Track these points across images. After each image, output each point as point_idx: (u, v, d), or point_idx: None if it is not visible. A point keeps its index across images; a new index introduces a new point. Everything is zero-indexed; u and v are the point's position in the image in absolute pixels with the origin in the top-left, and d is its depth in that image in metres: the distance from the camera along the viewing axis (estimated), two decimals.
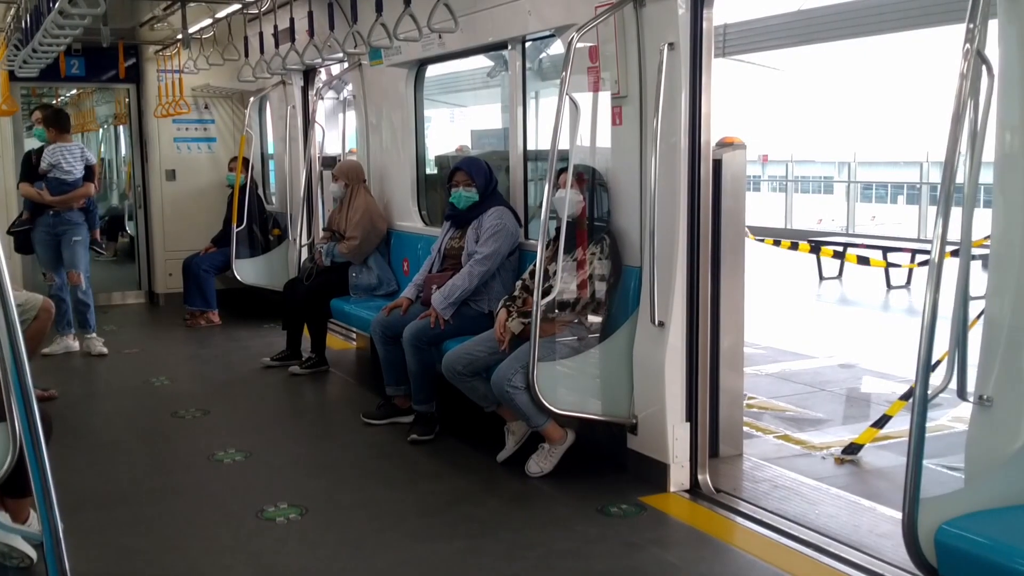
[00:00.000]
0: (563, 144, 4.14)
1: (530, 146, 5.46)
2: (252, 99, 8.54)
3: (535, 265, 4.17)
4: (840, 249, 11.83)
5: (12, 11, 7.15)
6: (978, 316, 2.88)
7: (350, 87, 7.77)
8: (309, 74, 8.09)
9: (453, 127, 15.15)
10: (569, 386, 4.35)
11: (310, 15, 6.16)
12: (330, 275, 6.60)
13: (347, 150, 8.63)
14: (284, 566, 3.58)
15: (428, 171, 7.11)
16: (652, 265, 4.09)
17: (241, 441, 5.02)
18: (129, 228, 11.28)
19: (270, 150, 9.47)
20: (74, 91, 13.24)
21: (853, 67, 32.06)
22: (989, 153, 2.71)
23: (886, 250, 11.68)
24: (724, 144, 4.37)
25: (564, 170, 4.29)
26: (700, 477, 4.22)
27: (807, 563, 3.50)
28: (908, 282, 11.40)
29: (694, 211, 4.11)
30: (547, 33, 5.21)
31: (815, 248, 8.58)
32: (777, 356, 7.06)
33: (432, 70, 6.78)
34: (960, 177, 2.57)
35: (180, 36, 7.78)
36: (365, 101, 7.13)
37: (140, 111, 9.45)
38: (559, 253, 4.27)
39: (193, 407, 5.74)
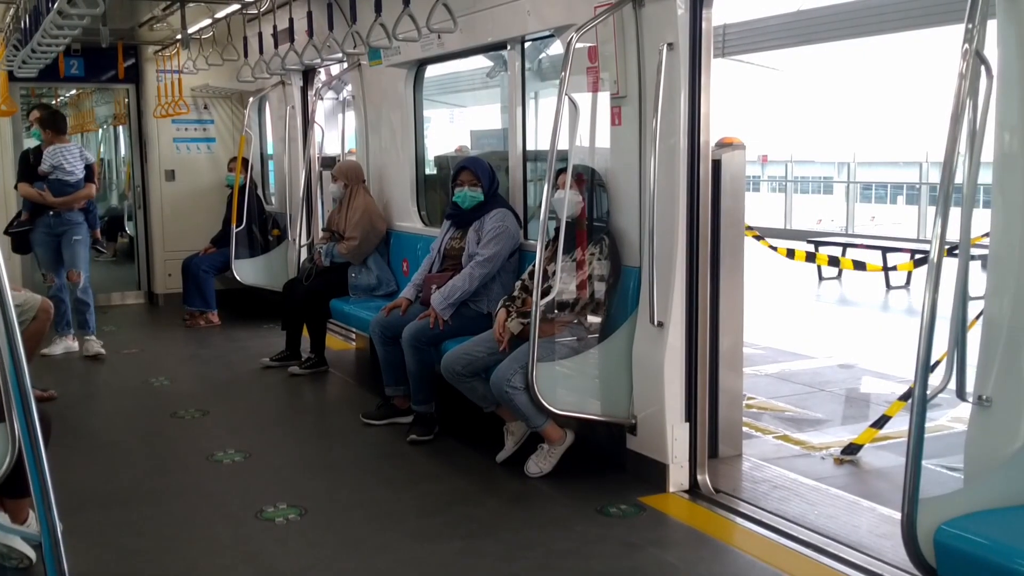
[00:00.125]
0: (562, 144, 4.13)
1: (529, 146, 5.45)
2: (251, 99, 8.54)
3: (534, 265, 4.17)
4: (838, 252, 11.84)
5: (11, 11, 7.15)
6: (977, 316, 2.88)
7: (349, 87, 7.77)
8: (308, 74, 8.09)
9: (452, 127, 15.15)
10: (568, 386, 4.35)
11: (309, 15, 6.17)
12: (329, 275, 6.60)
13: (346, 150, 8.62)
14: (284, 566, 3.58)
15: (427, 171, 7.11)
16: (651, 265, 4.09)
17: (240, 441, 5.02)
18: (128, 228, 11.28)
19: (269, 150, 9.47)
20: (73, 91, 13.24)
21: (852, 67, 32.12)
22: (988, 153, 2.70)
23: (885, 250, 11.69)
24: (723, 144, 4.37)
25: (563, 170, 4.28)
26: (699, 477, 4.22)
27: (806, 563, 3.50)
28: (907, 282, 11.41)
29: (693, 211, 4.11)
30: (546, 33, 5.21)
31: (811, 257, 8.57)
32: (776, 356, 7.06)
33: (431, 70, 6.78)
34: (959, 177, 2.57)
35: (179, 36, 7.79)
36: (364, 101, 7.13)
37: (139, 111, 9.44)
38: (558, 253, 4.27)
39: (192, 407, 5.74)
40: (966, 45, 2.52)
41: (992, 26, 2.65)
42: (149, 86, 9.24)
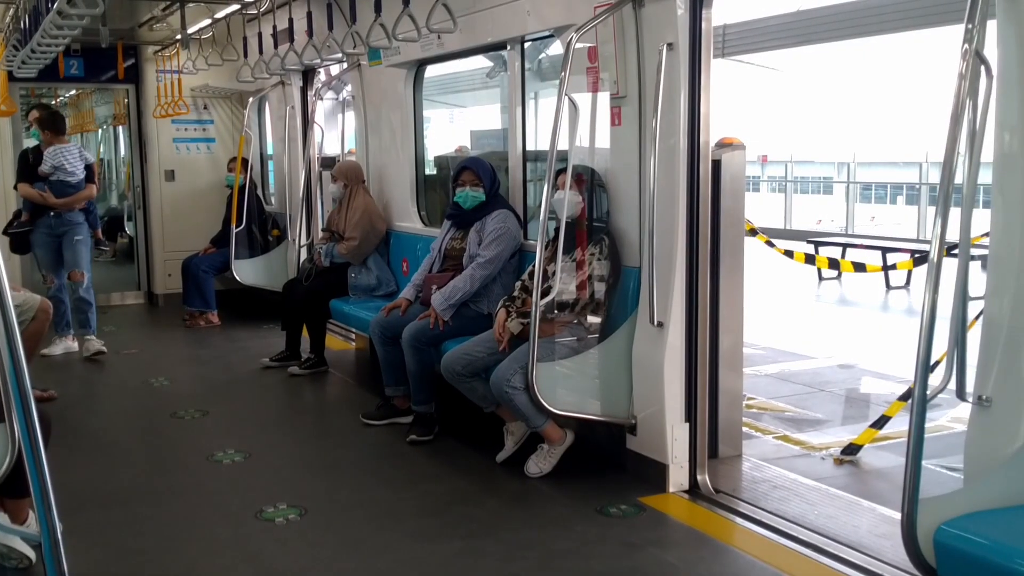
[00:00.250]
0: (562, 145, 4.13)
1: (529, 147, 5.45)
2: (251, 99, 8.54)
3: (534, 266, 4.17)
4: (838, 252, 11.85)
5: (11, 11, 7.15)
6: (977, 316, 2.88)
7: (349, 87, 7.77)
8: (308, 74, 8.09)
9: (452, 127, 15.15)
10: (568, 387, 4.35)
11: (309, 15, 6.16)
12: (329, 276, 6.60)
13: (346, 151, 8.62)
14: (284, 566, 3.58)
15: (427, 172, 7.11)
16: (651, 265, 4.09)
17: (240, 442, 5.01)
18: (128, 229, 11.27)
19: (269, 151, 9.47)
20: (73, 92, 13.24)
21: (852, 67, 32.11)
22: (988, 153, 2.70)
23: (885, 250, 11.69)
24: (723, 145, 4.37)
25: (563, 171, 4.28)
26: (699, 477, 4.22)
27: (806, 564, 3.50)
28: (907, 282, 11.41)
29: (693, 212, 4.11)
30: (546, 33, 5.20)
31: (810, 259, 8.57)
32: (776, 356, 7.06)
33: (431, 70, 6.78)
34: (959, 177, 2.57)
35: (179, 36, 7.79)
36: (364, 101, 7.12)
37: (139, 112, 9.44)
38: (558, 254, 4.27)
39: (192, 408, 5.74)
40: (966, 45, 2.52)
41: (992, 26, 2.65)
42: (149, 86, 9.24)
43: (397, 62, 6.27)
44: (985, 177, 2.72)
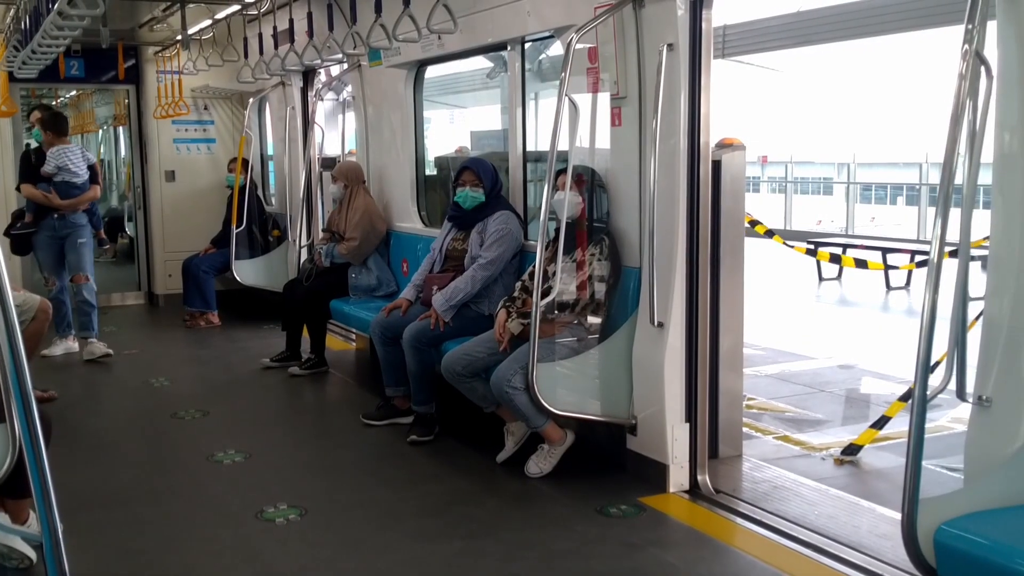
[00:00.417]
0: (562, 145, 4.13)
1: (529, 147, 5.46)
2: (251, 100, 8.54)
3: (535, 266, 4.17)
4: (838, 253, 11.83)
5: (11, 12, 7.15)
6: (977, 317, 2.88)
7: (349, 88, 7.77)
8: (308, 75, 8.09)
9: (453, 128, 15.16)
10: (568, 387, 4.35)
11: (309, 16, 6.16)
12: (329, 276, 6.60)
13: (346, 151, 8.63)
14: (284, 566, 3.58)
15: (427, 172, 7.11)
16: (651, 266, 4.09)
17: (241, 442, 5.02)
18: (129, 229, 11.27)
19: (269, 151, 9.47)
20: (73, 92, 13.24)
21: (852, 68, 32.12)
22: (988, 154, 2.71)
23: (885, 251, 11.69)
24: (723, 145, 4.37)
25: (563, 171, 4.28)
26: (699, 478, 4.22)
27: (807, 564, 3.50)
28: (907, 283, 11.41)
29: (693, 212, 4.12)
30: (546, 34, 5.21)
31: (811, 251, 8.56)
32: (776, 357, 7.06)
33: (431, 71, 6.78)
34: (959, 178, 2.57)
35: (179, 37, 7.79)
36: (364, 102, 7.13)
37: (139, 112, 9.45)
38: (558, 254, 4.27)
39: (193, 408, 5.74)
40: (966, 46, 2.52)
41: (992, 26, 2.65)
42: (149, 87, 9.24)
43: (397, 63, 6.28)
44: (985, 178, 2.72)
